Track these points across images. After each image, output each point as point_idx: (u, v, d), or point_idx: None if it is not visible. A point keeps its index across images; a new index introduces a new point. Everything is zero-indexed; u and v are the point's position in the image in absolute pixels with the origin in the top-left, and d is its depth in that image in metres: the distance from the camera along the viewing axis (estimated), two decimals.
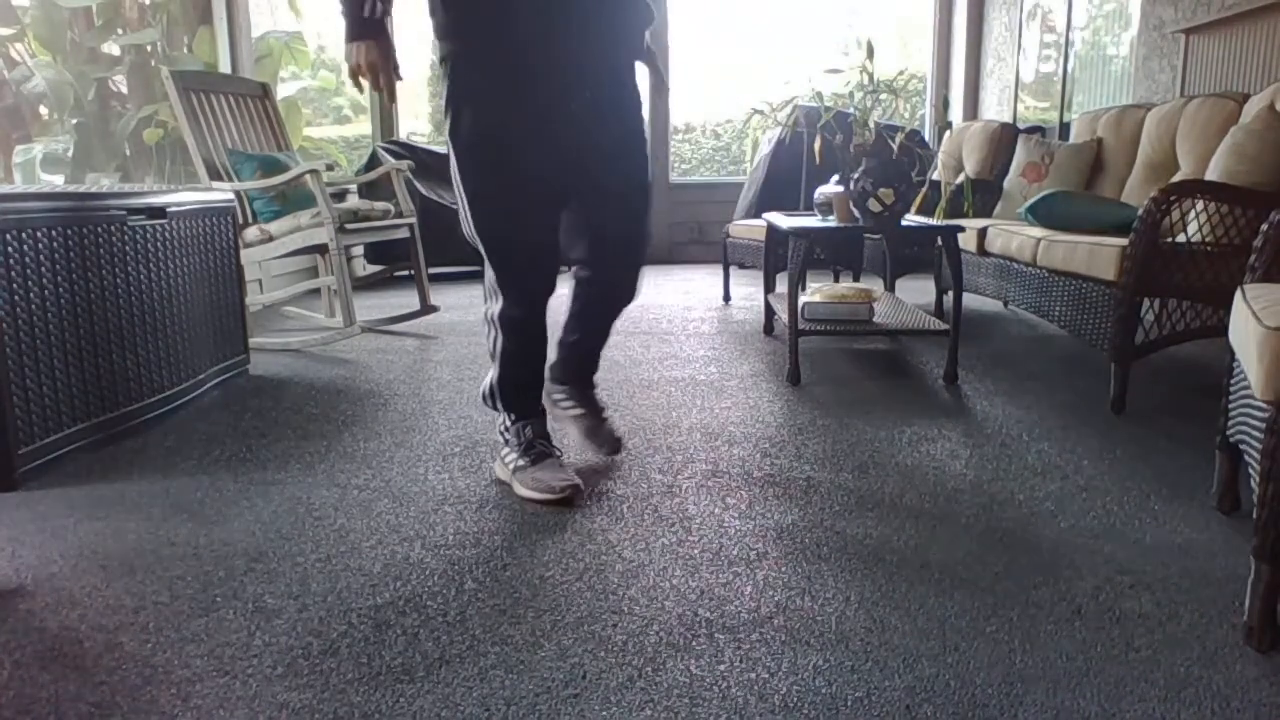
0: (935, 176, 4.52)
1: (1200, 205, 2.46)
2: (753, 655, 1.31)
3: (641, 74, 2.03)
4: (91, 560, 1.65)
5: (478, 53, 1.83)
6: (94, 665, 1.30)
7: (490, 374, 2.06)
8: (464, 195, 1.90)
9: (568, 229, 1.98)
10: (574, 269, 2.08)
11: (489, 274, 1.96)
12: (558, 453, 2.04)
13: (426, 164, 5.72)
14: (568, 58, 1.86)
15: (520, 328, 1.97)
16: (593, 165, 1.92)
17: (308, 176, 3.51)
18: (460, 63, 1.85)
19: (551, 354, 2.13)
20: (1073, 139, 4.10)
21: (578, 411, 2.18)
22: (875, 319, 3.08)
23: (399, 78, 1.84)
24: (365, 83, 1.82)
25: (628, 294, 2.09)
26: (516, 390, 2.04)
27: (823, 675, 1.26)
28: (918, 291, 4.56)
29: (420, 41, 8.09)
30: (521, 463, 1.97)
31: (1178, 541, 1.69)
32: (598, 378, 2.26)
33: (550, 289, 1.96)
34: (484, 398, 2.11)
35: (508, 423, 2.04)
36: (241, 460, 2.22)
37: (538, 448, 1.99)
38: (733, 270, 4.77)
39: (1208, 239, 2.44)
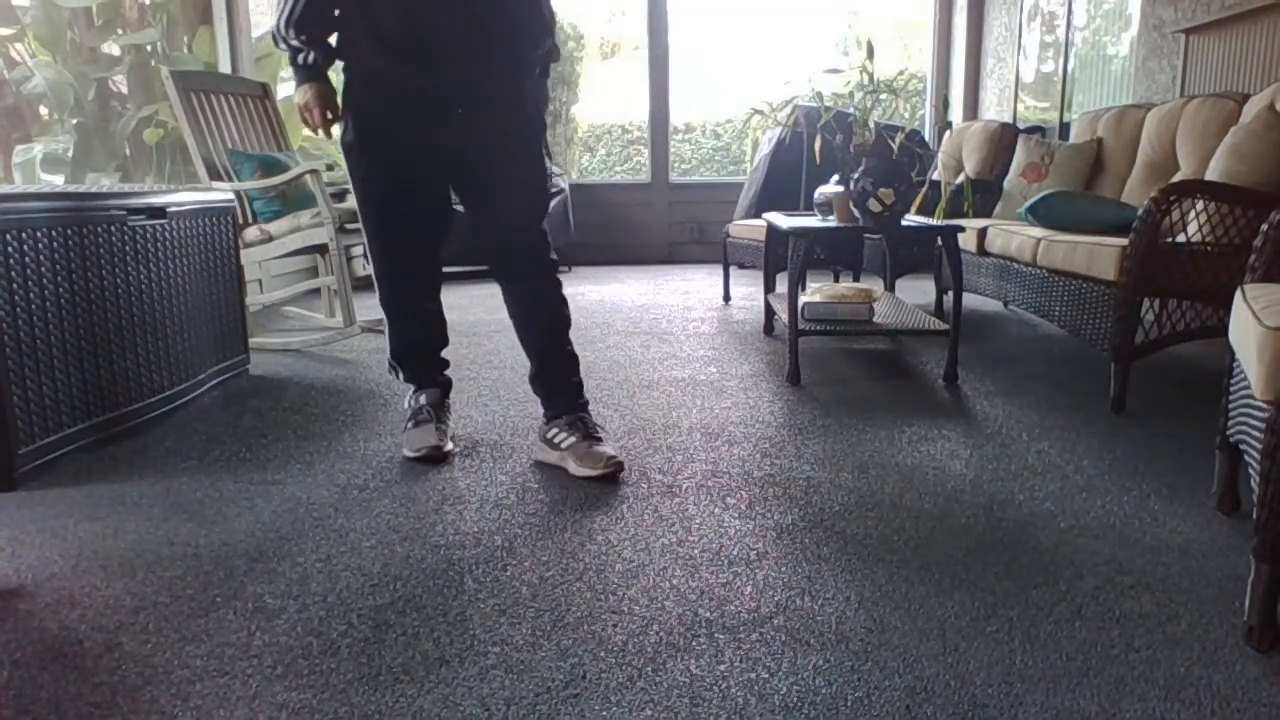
0: (935, 176, 4.52)
1: (1200, 205, 2.46)
2: (753, 655, 1.31)
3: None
4: (91, 560, 1.65)
5: (358, 70, 2.06)
6: (94, 665, 1.30)
7: (387, 352, 2.33)
8: (353, 189, 2.16)
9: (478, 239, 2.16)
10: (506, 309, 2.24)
11: (369, 265, 2.24)
12: (442, 424, 2.24)
13: None
14: (438, 76, 1.99)
15: (392, 306, 2.23)
16: (471, 173, 2.10)
17: (308, 176, 3.51)
18: (349, 76, 2.09)
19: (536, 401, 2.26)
20: (1073, 139, 4.10)
21: (570, 440, 2.10)
22: (875, 319, 3.08)
23: (337, 119, 2.10)
24: (310, 120, 2.08)
25: (537, 300, 2.18)
26: (404, 362, 2.30)
27: (823, 675, 1.26)
28: (918, 291, 4.56)
29: None
30: (409, 423, 2.26)
31: (1178, 541, 1.69)
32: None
33: (420, 276, 2.23)
34: (388, 369, 2.36)
35: (408, 390, 2.34)
36: (241, 460, 2.22)
37: (421, 415, 2.25)
38: (733, 270, 4.77)
39: (1208, 239, 2.44)
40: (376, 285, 2.22)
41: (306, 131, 2.26)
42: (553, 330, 2.20)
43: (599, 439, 2.11)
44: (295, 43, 2.03)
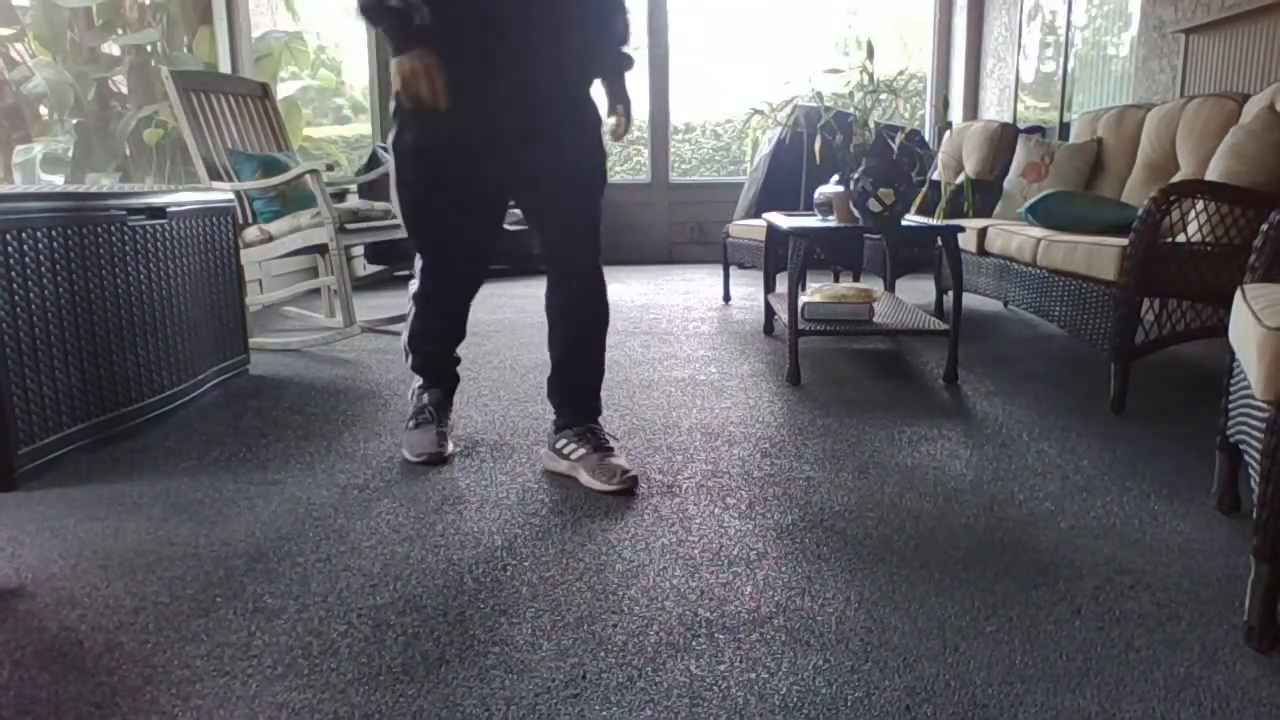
0: (935, 176, 4.52)
1: (1200, 205, 2.46)
2: (753, 655, 1.31)
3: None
4: (91, 560, 1.65)
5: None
6: (94, 665, 1.30)
7: (404, 343, 2.29)
8: (397, 195, 2.09)
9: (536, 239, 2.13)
10: (545, 297, 2.17)
11: (418, 260, 2.19)
12: (444, 426, 2.23)
13: None
14: (505, 80, 1.93)
15: (425, 303, 2.20)
16: (532, 182, 2.03)
17: (308, 176, 3.51)
18: None
19: (549, 406, 2.21)
20: (1073, 139, 4.10)
21: (581, 451, 2.04)
22: (875, 319, 3.08)
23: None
24: (423, 93, 1.83)
25: (580, 308, 2.12)
26: (418, 351, 2.27)
27: (823, 675, 1.26)
28: (918, 291, 4.56)
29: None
30: (410, 423, 2.25)
31: (1178, 541, 1.69)
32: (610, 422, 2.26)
33: (467, 281, 2.20)
34: (402, 353, 2.32)
35: (415, 383, 2.30)
36: (241, 460, 2.22)
37: (424, 415, 2.23)
38: (733, 270, 4.77)
39: (1208, 239, 2.44)
40: (418, 279, 2.19)
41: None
42: (585, 325, 2.13)
43: (611, 450, 2.05)
44: (397, 3, 1.82)
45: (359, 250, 5.57)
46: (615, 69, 2.13)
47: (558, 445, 2.09)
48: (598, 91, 2.11)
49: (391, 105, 1.98)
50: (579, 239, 2.08)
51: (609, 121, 2.14)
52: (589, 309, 2.12)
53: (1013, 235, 3.23)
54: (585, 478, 2.01)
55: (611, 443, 2.09)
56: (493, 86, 1.93)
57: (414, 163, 2.01)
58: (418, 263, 2.19)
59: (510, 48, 1.91)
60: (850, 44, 7.64)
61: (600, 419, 2.15)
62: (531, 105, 1.96)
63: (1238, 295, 1.58)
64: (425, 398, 2.26)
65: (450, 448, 2.23)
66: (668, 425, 2.48)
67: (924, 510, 1.86)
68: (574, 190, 2.04)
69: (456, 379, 2.33)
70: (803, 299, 3.06)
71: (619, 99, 2.15)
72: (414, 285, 2.22)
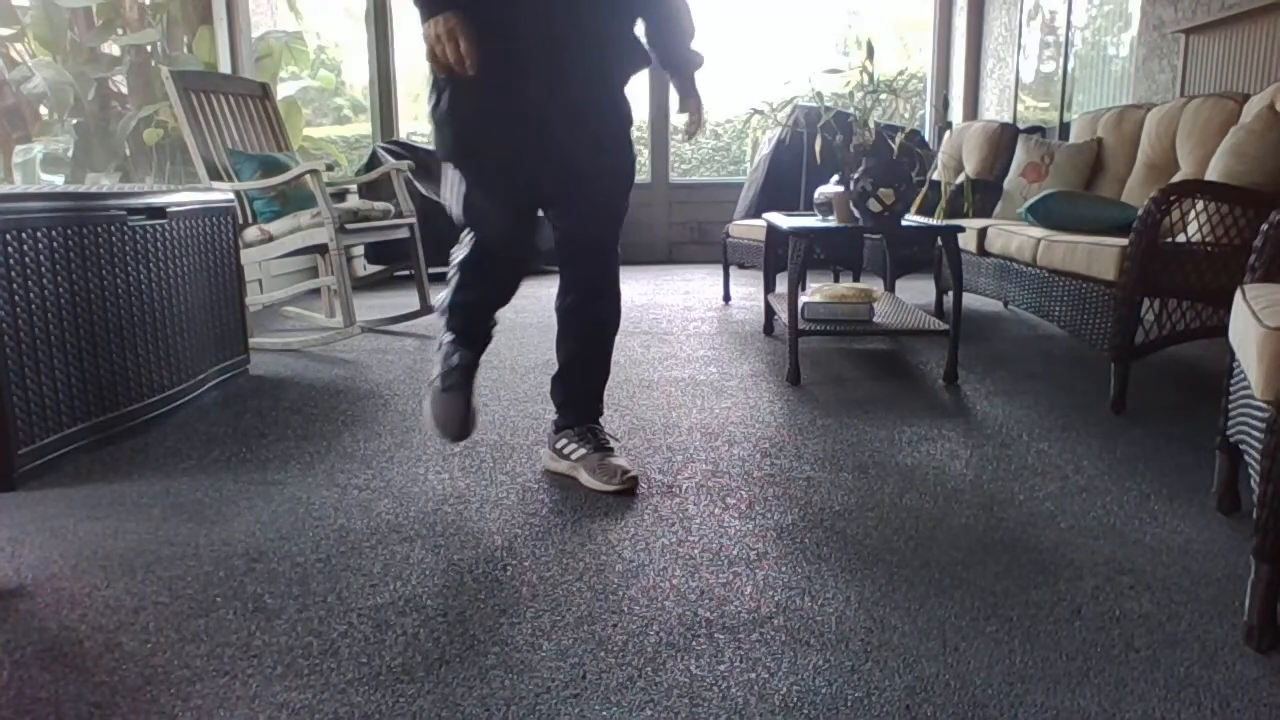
0: (935, 176, 4.51)
1: (1200, 205, 2.46)
2: (753, 655, 1.31)
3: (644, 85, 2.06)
4: (91, 560, 1.65)
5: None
6: (94, 665, 1.30)
7: (444, 294, 2.08)
8: (444, 166, 1.96)
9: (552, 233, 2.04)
10: (555, 299, 2.09)
11: (465, 231, 2.02)
12: (470, 395, 2.04)
13: (426, 164, 5.71)
14: (562, 58, 1.87)
15: (480, 275, 2.01)
16: (568, 168, 1.94)
17: (308, 176, 3.51)
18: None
19: (549, 406, 2.15)
20: (1073, 139, 4.09)
21: (581, 451, 2.03)
22: (875, 319, 3.08)
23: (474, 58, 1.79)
24: (449, 56, 1.75)
25: (594, 307, 2.07)
26: (464, 323, 2.06)
27: (823, 675, 1.26)
28: (918, 291, 4.56)
29: (421, 41, 8.10)
30: (436, 383, 2.03)
31: (1178, 541, 1.69)
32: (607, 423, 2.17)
33: (519, 238, 2.00)
34: (438, 310, 2.13)
35: (445, 337, 2.06)
36: (241, 460, 2.22)
37: (454, 377, 2.02)
38: (733, 270, 4.77)
39: (1208, 239, 2.44)
40: (466, 248, 2.02)
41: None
42: (598, 328, 2.09)
43: (611, 450, 2.05)
44: None
45: (359, 250, 5.57)
46: (686, 65, 2.08)
47: (558, 445, 2.08)
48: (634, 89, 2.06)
49: (428, 75, 1.90)
50: (605, 235, 2.03)
51: (680, 118, 2.10)
52: (604, 312, 2.08)
53: (1013, 235, 3.23)
54: (585, 478, 2.00)
55: (611, 443, 2.09)
56: (543, 66, 1.86)
57: (451, 130, 1.90)
58: (464, 234, 2.04)
59: (562, 31, 1.85)
60: (850, 44, 7.64)
61: (601, 419, 2.14)
62: (579, 90, 1.91)
63: (1238, 295, 1.57)
64: (456, 358, 2.04)
65: (476, 419, 2.08)
66: (668, 425, 2.48)
67: (924, 510, 1.86)
68: (610, 186, 2.00)
69: (490, 339, 2.14)
70: (803, 299, 3.06)
71: (689, 95, 2.11)
72: (459, 252, 2.04)
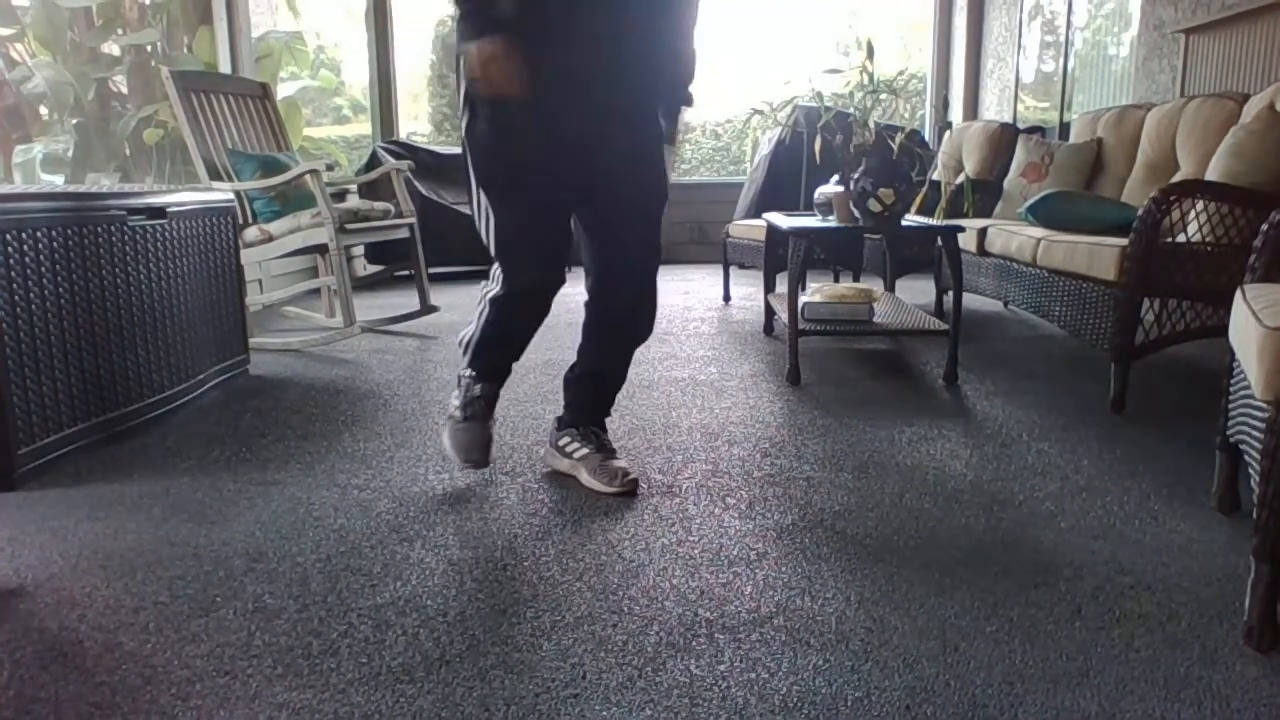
0: (935, 176, 4.51)
1: (1200, 205, 2.46)
2: (753, 655, 1.31)
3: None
4: (91, 560, 1.65)
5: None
6: (94, 665, 1.30)
7: (469, 332, 2.08)
8: (475, 189, 1.94)
9: (584, 249, 2.03)
10: (585, 300, 2.08)
11: (495, 266, 2.00)
12: (490, 424, 2.07)
13: (426, 164, 5.72)
14: (611, 90, 1.88)
15: (511, 310, 2.00)
16: (603, 184, 1.94)
17: (308, 176, 3.51)
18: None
19: (558, 402, 2.15)
20: (1073, 139, 4.10)
21: (584, 451, 2.04)
22: (875, 319, 3.08)
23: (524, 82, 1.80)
24: (499, 75, 1.75)
25: (633, 321, 2.05)
26: (489, 358, 2.07)
27: (823, 675, 1.26)
28: (918, 291, 4.56)
29: (421, 41, 8.09)
30: (455, 414, 2.07)
31: (1178, 541, 1.69)
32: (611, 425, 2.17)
33: (550, 283, 1.98)
34: (460, 345, 2.13)
35: (466, 372, 2.08)
36: (241, 460, 2.22)
37: (475, 408, 2.05)
38: (733, 270, 4.77)
39: (1208, 239, 2.44)
40: (496, 284, 2.00)
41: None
42: (631, 340, 2.10)
43: (613, 452, 2.06)
44: None
45: (359, 250, 5.57)
46: (676, 104, 2.06)
47: (560, 443, 2.08)
48: None
49: (461, 93, 1.89)
50: (649, 251, 2.02)
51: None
52: (641, 331, 2.07)
53: (1013, 235, 3.22)
54: (586, 478, 2.01)
55: (613, 446, 2.09)
56: (585, 91, 1.86)
57: (492, 150, 1.89)
58: (495, 269, 2.02)
59: (606, 57, 1.85)
60: (850, 44, 7.65)
61: (607, 421, 2.14)
62: (618, 113, 1.92)
63: (1238, 295, 1.57)
64: (479, 389, 2.06)
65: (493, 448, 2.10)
66: (668, 425, 2.48)
67: (924, 510, 1.86)
68: (650, 200, 2.00)
69: (510, 372, 2.16)
70: (803, 299, 3.06)
71: (672, 126, 2.08)
72: (490, 288, 2.03)
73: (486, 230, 1.95)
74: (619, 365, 2.13)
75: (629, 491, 1.96)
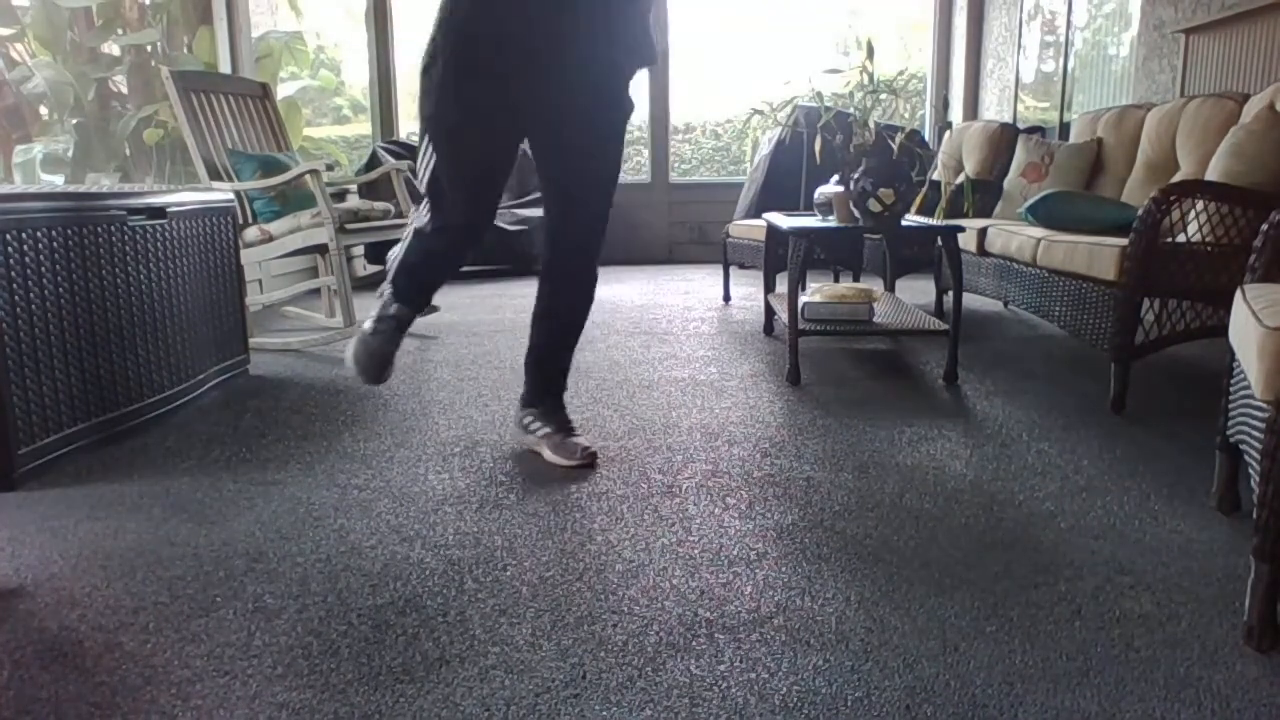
0: (935, 176, 4.51)
1: (1200, 205, 2.46)
2: (753, 655, 1.31)
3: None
4: (91, 560, 1.65)
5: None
6: (94, 665, 1.30)
7: (397, 251, 2.16)
8: (424, 127, 2.00)
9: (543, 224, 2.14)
10: (539, 282, 2.17)
11: (425, 199, 2.07)
12: (395, 347, 2.17)
13: None
14: (571, 51, 1.92)
15: (431, 246, 2.08)
16: (568, 147, 2.03)
17: (308, 176, 3.51)
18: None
19: (518, 385, 2.26)
20: (1073, 139, 4.09)
21: (545, 430, 2.18)
22: (875, 319, 3.08)
23: None
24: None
25: (580, 289, 2.15)
26: (409, 284, 2.15)
27: (823, 675, 1.26)
28: (918, 291, 4.56)
29: (418, 34, 8.10)
30: (368, 326, 2.17)
31: (1178, 541, 1.69)
32: (583, 412, 2.30)
33: (473, 230, 2.06)
34: (388, 261, 2.21)
35: (386, 288, 2.17)
36: (241, 460, 2.22)
37: (386, 324, 2.15)
38: (733, 270, 4.77)
39: (1208, 239, 2.44)
40: (426, 216, 2.06)
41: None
42: (577, 320, 2.21)
43: (573, 430, 2.19)
44: None
45: (359, 250, 5.56)
46: (640, 63, 2.10)
47: (524, 420, 2.23)
48: None
49: (431, 35, 1.94)
50: (593, 236, 2.11)
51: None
52: (582, 306, 2.18)
53: (1013, 235, 3.22)
54: (549, 454, 2.14)
55: (572, 423, 2.21)
56: (549, 59, 1.91)
57: (438, 101, 1.95)
58: (424, 204, 2.09)
59: (572, 23, 1.90)
60: (850, 44, 7.64)
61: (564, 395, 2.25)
62: (585, 85, 1.97)
63: (1238, 295, 1.58)
64: (394, 309, 2.15)
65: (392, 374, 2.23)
66: (668, 425, 2.48)
67: (924, 510, 1.86)
68: (603, 189, 2.08)
69: (430, 304, 2.26)
70: (803, 299, 3.06)
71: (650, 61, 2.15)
72: (420, 219, 2.09)
73: (424, 166, 2.02)
74: (569, 345, 2.23)
75: (588, 464, 2.10)
